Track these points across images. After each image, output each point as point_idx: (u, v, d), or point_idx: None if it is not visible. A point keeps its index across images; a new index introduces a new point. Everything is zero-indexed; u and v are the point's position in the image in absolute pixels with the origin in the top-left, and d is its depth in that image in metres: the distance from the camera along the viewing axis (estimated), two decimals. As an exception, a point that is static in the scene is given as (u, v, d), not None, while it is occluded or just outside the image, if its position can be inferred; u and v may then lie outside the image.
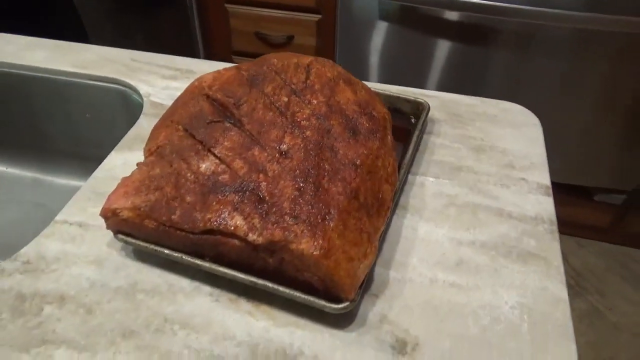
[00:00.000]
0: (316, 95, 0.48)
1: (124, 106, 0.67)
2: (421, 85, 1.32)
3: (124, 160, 0.55)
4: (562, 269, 0.43)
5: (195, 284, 0.42)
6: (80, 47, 0.71)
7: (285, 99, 0.47)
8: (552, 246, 0.45)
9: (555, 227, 0.47)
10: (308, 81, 0.49)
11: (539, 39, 1.16)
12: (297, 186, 0.40)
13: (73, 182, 0.77)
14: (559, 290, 0.42)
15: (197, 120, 0.46)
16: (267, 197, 0.40)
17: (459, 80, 1.28)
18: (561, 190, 1.42)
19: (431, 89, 1.31)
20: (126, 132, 0.58)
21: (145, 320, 0.40)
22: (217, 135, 0.44)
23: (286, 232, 0.37)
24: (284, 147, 0.43)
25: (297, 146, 0.43)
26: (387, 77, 1.34)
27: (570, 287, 1.37)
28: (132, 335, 0.39)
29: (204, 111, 0.47)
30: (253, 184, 0.41)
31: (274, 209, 0.39)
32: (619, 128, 1.25)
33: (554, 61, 1.18)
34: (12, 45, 0.71)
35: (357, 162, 0.43)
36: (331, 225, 0.38)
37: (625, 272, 1.40)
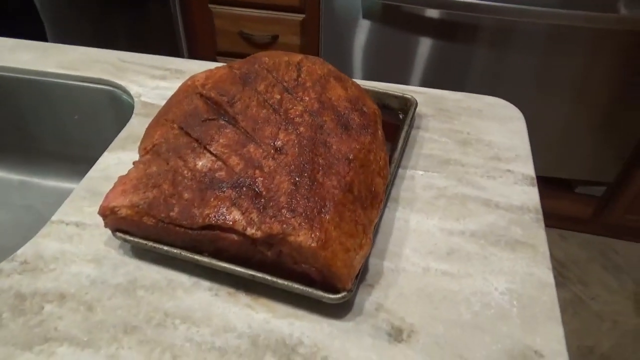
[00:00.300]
0: (308, 92, 0.49)
1: (114, 107, 0.67)
2: (405, 82, 1.34)
3: (117, 160, 0.55)
4: (547, 255, 0.45)
5: (194, 279, 0.43)
6: (67, 48, 0.71)
7: (278, 97, 0.48)
8: (538, 234, 0.47)
9: (540, 216, 0.49)
10: (299, 79, 0.50)
11: (516, 35, 1.19)
12: (292, 181, 0.41)
13: (62, 184, 0.76)
14: (546, 276, 0.43)
15: (192, 119, 0.47)
16: (264, 192, 0.41)
17: (441, 77, 1.31)
18: (543, 183, 1.45)
19: (414, 85, 1.33)
20: (116, 133, 0.59)
21: (146, 316, 0.40)
22: (212, 133, 0.45)
23: (284, 225, 0.38)
24: (278, 143, 0.44)
25: (291, 142, 0.44)
26: (371, 75, 1.36)
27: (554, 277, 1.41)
28: (134, 331, 0.39)
29: (198, 109, 0.47)
30: (249, 179, 0.42)
31: (271, 203, 0.40)
32: (596, 121, 1.29)
33: (531, 57, 1.21)
34: (-2, 47, 0.71)
35: (350, 157, 0.44)
36: (327, 217, 0.39)
37: (606, 262, 1.45)
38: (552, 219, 1.51)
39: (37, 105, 0.71)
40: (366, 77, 1.36)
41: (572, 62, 1.20)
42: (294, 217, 0.39)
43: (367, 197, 0.44)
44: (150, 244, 0.43)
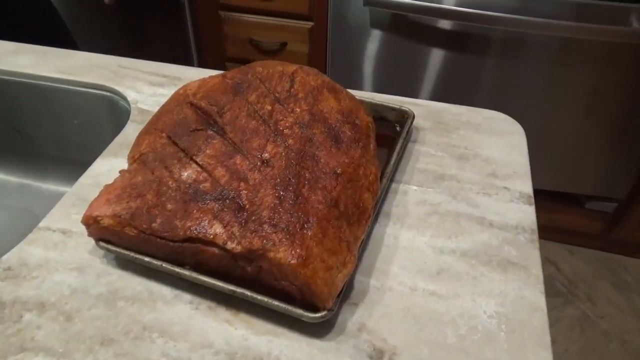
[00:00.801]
0: (299, 104, 0.48)
1: (111, 112, 0.67)
2: (412, 92, 1.32)
3: (109, 167, 0.55)
4: (541, 278, 0.44)
5: (176, 291, 0.42)
6: (67, 53, 0.72)
7: (269, 107, 0.48)
8: (532, 255, 0.46)
9: (535, 237, 0.47)
10: (292, 89, 0.49)
11: (527, 47, 1.18)
12: (277, 195, 0.40)
13: (60, 188, 0.77)
14: (537, 299, 0.42)
15: (180, 128, 0.46)
16: (247, 206, 0.40)
17: (450, 87, 1.29)
18: (552, 198, 1.42)
19: (422, 96, 1.32)
20: (113, 139, 0.59)
21: (124, 328, 0.40)
22: (199, 144, 0.45)
23: (264, 241, 0.37)
24: (265, 155, 0.44)
25: (278, 155, 0.43)
26: (379, 84, 1.35)
27: (561, 294, 1.38)
28: (110, 343, 0.39)
29: (187, 119, 0.47)
30: (234, 192, 0.41)
31: (253, 218, 0.39)
32: (608, 136, 1.26)
33: (541, 69, 1.19)
34: (-1, 51, 0.71)
35: (338, 171, 0.43)
36: (309, 233, 0.38)
37: (616, 280, 1.41)
38: (561, 234, 1.48)
39: (37, 109, 0.72)
40: (374, 86, 1.35)
41: (584, 76, 1.18)
42: (275, 233, 0.38)
43: (354, 212, 0.43)
44: (133, 254, 0.42)
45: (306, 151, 0.44)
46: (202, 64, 1.54)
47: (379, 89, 1.35)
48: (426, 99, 1.33)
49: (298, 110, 0.47)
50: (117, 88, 0.66)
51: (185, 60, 1.54)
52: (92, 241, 0.46)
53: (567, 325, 1.31)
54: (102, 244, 0.43)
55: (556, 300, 1.36)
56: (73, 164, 0.75)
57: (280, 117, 0.47)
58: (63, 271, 0.44)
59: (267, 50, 1.40)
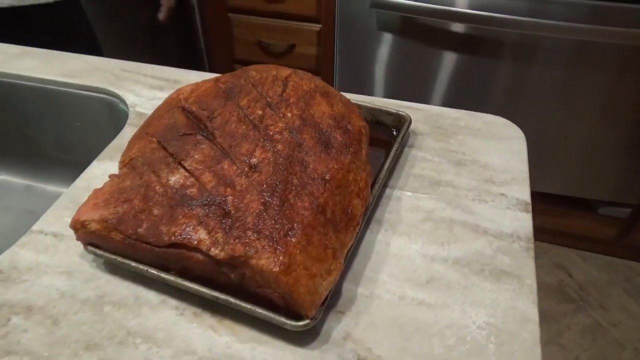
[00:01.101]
0: (291, 109, 0.48)
1: (111, 116, 0.68)
2: (422, 95, 1.31)
3: (104, 170, 0.55)
4: (534, 288, 0.42)
5: (163, 297, 0.42)
6: (70, 56, 0.72)
7: (260, 112, 0.47)
8: (526, 264, 0.44)
9: (531, 245, 0.46)
10: (284, 94, 0.49)
11: (540, 50, 1.15)
12: (262, 201, 0.40)
13: (62, 190, 0.77)
14: (530, 310, 0.41)
15: (170, 133, 0.46)
16: (232, 212, 0.40)
17: (461, 91, 1.27)
18: (564, 203, 1.40)
19: (433, 100, 1.31)
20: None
21: (109, 333, 0.40)
22: (188, 148, 0.45)
23: (247, 248, 0.37)
24: (254, 160, 0.43)
25: (266, 160, 0.43)
26: (387, 88, 1.34)
27: (573, 301, 1.35)
28: (95, 348, 0.39)
29: (177, 123, 0.47)
30: (220, 197, 0.41)
31: (238, 224, 0.39)
32: (622, 140, 1.23)
33: (555, 72, 1.17)
34: (1, 55, 0.72)
35: (327, 177, 0.43)
36: (293, 240, 0.38)
37: (629, 287, 1.38)
38: (573, 240, 1.45)
39: (41, 112, 0.72)
40: (383, 90, 1.34)
41: (599, 79, 1.15)
42: (258, 240, 0.37)
43: (342, 219, 0.42)
44: (119, 259, 0.42)
45: (295, 156, 0.44)
46: (212, 67, 1.55)
47: (387, 92, 1.34)
48: (436, 103, 1.32)
49: (289, 115, 0.47)
50: (117, 91, 0.66)
51: (195, 63, 1.55)
52: (82, 245, 0.46)
53: (578, 332, 1.28)
54: (90, 248, 0.43)
55: (567, 307, 1.34)
56: (75, 166, 0.76)
57: (271, 122, 0.46)
58: (52, 274, 0.44)
59: (275, 52, 1.40)
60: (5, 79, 0.70)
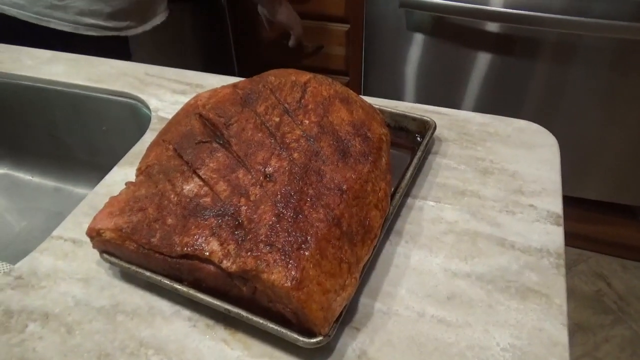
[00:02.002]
0: (309, 115, 0.46)
1: (135, 120, 0.68)
2: (454, 98, 1.27)
3: (124, 176, 0.55)
4: (564, 309, 0.40)
5: (176, 307, 0.42)
6: (99, 61, 0.73)
7: (277, 119, 0.46)
8: (556, 282, 0.42)
9: (562, 262, 0.43)
10: (302, 100, 0.48)
11: (579, 50, 1.10)
12: (276, 212, 0.39)
13: (90, 192, 0.79)
14: (558, 332, 0.38)
15: (186, 140, 0.46)
16: (245, 223, 0.39)
17: (495, 94, 1.23)
18: (603, 209, 1.33)
19: (465, 103, 1.27)
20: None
21: (121, 344, 0.39)
22: (203, 156, 0.44)
23: (258, 261, 0.36)
24: (269, 169, 0.42)
25: (282, 169, 0.42)
26: (418, 89, 1.31)
27: (611, 312, 1.29)
28: (107, 358, 0.39)
29: (194, 131, 0.46)
30: (233, 208, 0.40)
31: (250, 236, 0.38)
32: (667, 144, 1.16)
33: (596, 74, 1.12)
34: (32, 60, 0.74)
35: (344, 187, 0.41)
36: (306, 254, 0.36)
37: (674, 299, 1.30)
38: (613, 248, 1.39)
39: (69, 116, 0.74)
40: (414, 91, 1.31)
41: (641, 79, 1.09)
42: (270, 253, 0.36)
43: (359, 232, 0.40)
44: (134, 268, 0.42)
45: (311, 166, 0.42)
46: (241, 69, 1.55)
47: (417, 94, 1.31)
48: (468, 106, 1.28)
49: (307, 122, 0.46)
50: (141, 96, 0.66)
51: (225, 66, 1.56)
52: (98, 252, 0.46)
53: (616, 345, 1.22)
54: (105, 256, 0.43)
55: (605, 319, 1.27)
56: (102, 169, 0.77)
57: (288, 130, 0.45)
58: (69, 281, 0.44)
59: (307, 52, 1.39)
60: (35, 84, 0.71)
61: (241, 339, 0.39)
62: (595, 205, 1.32)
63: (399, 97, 1.33)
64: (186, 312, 0.41)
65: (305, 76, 0.50)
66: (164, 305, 0.42)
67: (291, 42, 1.25)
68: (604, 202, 1.31)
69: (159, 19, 1.01)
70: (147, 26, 0.99)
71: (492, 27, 1.13)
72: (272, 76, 0.51)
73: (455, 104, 1.27)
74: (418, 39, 1.21)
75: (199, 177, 0.42)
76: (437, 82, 1.27)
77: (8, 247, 0.74)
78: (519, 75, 1.18)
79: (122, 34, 0.94)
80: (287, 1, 1.19)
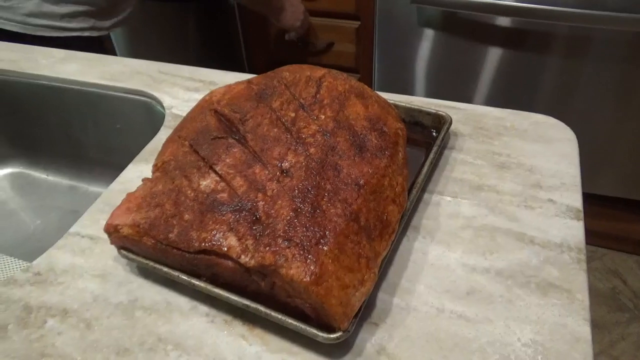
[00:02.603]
0: (324, 110, 0.46)
1: (149, 118, 0.68)
2: (466, 93, 1.26)
3: (139, 173, 0.55)
4: (586, 304, 0.39)
5: (193, 302, 0.42)
6: (111, 60, 0.73)
7: (292, 114, 0.46)
8: (577, 277, 0.41)
9: (583, 256, 0.43)
10: (318, 95, 0.48)
11: (593, 44, 1.09)
12: (294, 207, 0.38)
13: (104, 190, 0.79)
14: (581, 328, 0.38)
15: (202, 136, 0.46)
16: (262, 218, 0.38)
17: (507, 89, 1.22)
18: (619, 205, 1.32)
19: (477, 98, 1.26)
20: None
21: (140, 339, 0.39)
22: (220, 152, 0.44)
23: (277, 256, 0.36)
24: (285, 164, 0.42)
25: (299, 164, 0.42)
26: (429, 85, 1.30)
27: (627, 310, 1.27)
28: (125, 353, 0.39)
29: (209, 127, 0.46)
30: (250, 203, 0.40)
31: (268, 231, 0.38)
32: (684, 138, 1.14)
33: (610, 67, 1.10)
34: (47, 59, 0.74)
35: (361, 182, 0.41)
36: (325, 249, 0.36)
37: (691, 296, 1.28)
38: (630, 245, 1.37)
39: (83, 115, 0.74)
40: (425, 87, 1.30)
41: (657, 73, 1.07)
42: (288, 248, 0.36)
43: (376, 226, 0.40)
44: (152, 264, 0.42)
45: (328, 160, 0.42)
46: (251, 67, 1.55)
47: (429, 90, 1.30)
48: (480, 101, 1.27)
49: (322, 117, 0.45)
50: (154, 93, 0.67)
51: (235, 63, 1.56)
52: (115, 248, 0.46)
53: (632, 343, 1.20)
54: (123, 252, 0.43)
55: (621, 316, 1.26)
56: (116, 167, 0.77)
57: (303, 125, 0.45)
58: (87, 277, 0.44)
59: (313, 50, 1.39)
60: (50, 83, 0.72)
61: (259, 335, 0.39)
62: (610, 202, 1.31)
63: (410, 93, 1.32)
64: (204, 308, 0.41)
65: (320, 71, 0.50)
66: (181, 300, 0.42)
67: (287, 36, 1.27)
68: (619, 198, 1.30)
69: (122, 16, 1.01)
70: (111, 23, 0.99)
71: (504, 21, 1.12)
72: (287, 72, 0.51)
73: (467, 100, 1.26)
74: (429, 34, 1.20)
75: (216, 172, 0.42)
76: (448, 78, 1.26)
77: (23, 244, 0.75)
78: (531, 69, 1.17)
79: (86, 34, 0.94)
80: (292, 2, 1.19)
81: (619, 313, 1.27)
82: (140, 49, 1.49)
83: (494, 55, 1.18)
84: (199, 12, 1.49)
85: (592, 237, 1.34)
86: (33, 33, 0.90)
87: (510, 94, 1.22)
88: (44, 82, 0.72)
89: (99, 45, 1.02)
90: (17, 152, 0.82)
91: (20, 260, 0.67)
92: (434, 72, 1.27)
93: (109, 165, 0.78)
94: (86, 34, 0.96)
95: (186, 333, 0.40)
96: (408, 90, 1.32)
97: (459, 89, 1.27)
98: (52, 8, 0.89)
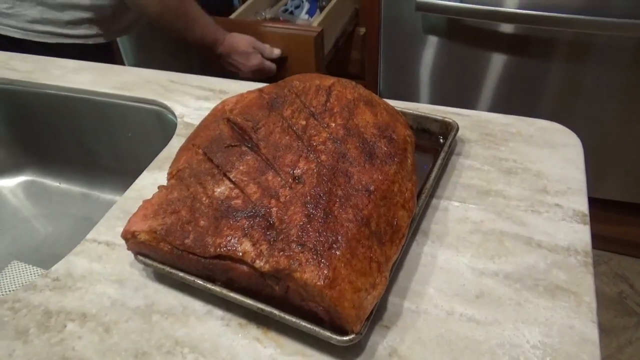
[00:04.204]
0: (334, 118, 0.47)
1: (161, 126, 0.70)
2: (470, 99, 1.28)
3: (153, 181, 0.57)
4: (594, 306, 0.40)
5: (209, 307, 0.43)
6: (122, 69, 0.75)
7: (303, 122, 0.47)
8: (584, 280, 0.42)
9: (590, 260, 0.43)
10: (328, 104, 0.49)
11: (596, 49, 1.10)
12: (306, 212, 0.40)
13: (116, 197, 0.80)
14: (589, 330, 0.38)
15: (216, 144, 0.47)
16: (276, 223, 0.40)
17: (511, 95, 1.23)
18: (625, 210, 1.32)
19: (481, 104, 1.27)
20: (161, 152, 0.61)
21: (157, 342, 0.40)
22: (233, 160, 0.45)
23: (291, 261, 0.37)
24: (297, 171, 0.43)
25: (310, 171, 0.43)
26: (434, 92, 1.31)
27: (634, 314, 1.27)
28: (144, 357, 0.40)
29: (223, 135, 0.47)
30: (264, 209, 0.41)
31: (282, 236, 0.39)
32: (689, 142, 1.15)
33: (614, 73, 1.11)
34: (59, 70, 0.76)
35: (371, 188, 0.42)
36: (338, 253, 0.37)
37: (699, 300, 1.28)
38: (637, 249, 1.37)
39: (96, 123, 0.76)
40: (430, 94, 1.32)
41: (660, 78, 1.08)
42: (302, 252, 0.37)
43: (387, 231, 0.41)
44: (168, 269, 0.43)
45: (339, 167, 0.43)
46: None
47: (433, 96, 1.32)
48: (485, 107, 1.28)
49: (333, 124, 0.47)
50: (165, 102, 0.68)
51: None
52: (132, 254, 0.47)
53: (638, 350, 1.20)
54: (140, 257, 0.44)
55: (629, 321, 1.26)
56: (128, 174, 0.78)
57: (314, 132, 0.46)
58: (105, 282, 0.46)
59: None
60: (63, 93, 0.73)
61: (274, 338, 0.40)
62: (615, 206, 1.31)
63: (415, 99, 1.34)
64: (219, 312, 0.42)
65: (329, 80, 0.51)
66: (197, 305, 0.43)
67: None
68: (624, 203, 1.30)
69: (127, 23, 1.01)
70: (116, 30, 0.99)
71: (507, 28, 1.13)
72: (297, 80, 0.52)
73: (472, 106, 1.27)
74: (433, 41, 1.21)
75: (230, 179, 0.44)
76: (453, 84, 1.28)
77: (37, 251, 0.76)
78: (535, 75, 1.18)
79: (91, 41, 0.95)
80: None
81: (627, 317, 1.27)
82: (146, 56, 1.51)
83: (497, 61, 1.19)
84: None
85: (599, 241, 1.34)
86: (36, 40, 0.92)
87: (514, 100, 1.23)
88: (56, 92, 0.74)
89: (107, 52, 1.04)
90: (31, 161, 0.84)
91: (35, 267, 0.68)
92: (439, 79, 1.28)
93: (121, 173, 0.80)
94: (90, 41, 0.97)
95: (202, 336, 0.41)
96: (412, 95, 1.33)
97: (463, 94, 1.28)
98: (56, 15, 0.91)
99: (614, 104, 1.15)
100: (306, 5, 1.22)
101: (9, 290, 0.65)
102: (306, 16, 1.21)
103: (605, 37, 1.07)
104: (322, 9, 1.22)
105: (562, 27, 1.07)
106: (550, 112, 1.22)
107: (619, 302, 1.30)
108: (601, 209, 1.29)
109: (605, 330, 1.24)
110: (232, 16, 1.12)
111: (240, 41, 1.00)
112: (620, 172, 1.25)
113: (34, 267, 0.68)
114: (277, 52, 1.06)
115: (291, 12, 1.23)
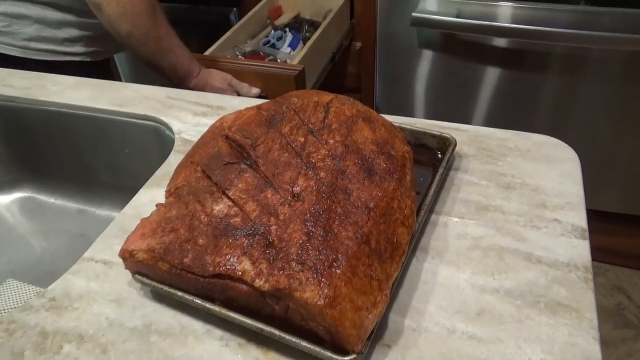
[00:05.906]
0: (333, 135, 0.47)
1: (159, 142, 0.70)
2: (465, 113, 1.28)
3: (151, 198, 0.56)
4: (595, 323, 0.40)
5: (208, 326, 0.42)
6: (120, 86, 0.75)
7: (302, 139, 0.47)
8: (585, 296, 0.42)
9: (590, 275, 0.43)
10: (326, 120, 0.49)
11: (590, 63, 1.11)
12: (306, 230, 0.39)
13: (113, 214, 0.80)
14: (591, 347, 0.38)
15: (214, 162, 0.47)
16: (276, 242, 0.39)
17: (506, 109, 1.24)
18: (623, 221, 1.32)
19: (476, 118, 1.28)
20: (159, 167, 0.60)
21: (155, 363, 0.40)
22: (232, 177, 0.45)
23: (291, 280, 0.37)
24: (297, 189, 0.43)
25: (309, 188, 0.43)
26: (429, 106, 1.32)
27: (633, 326, 1.27)
28: (142, 378, 0.39)
29: (221, 152, 0.47)
30: (263, 227, 0.40)
31: (281, 255, 0.38)
32: (683, 154, 1.16)
33: (607, 86, 1.12)
34: (57, 86, 0.76)
35: (371, 205, 0.42)
36: (338, 272, 0.37)
37: (697, 311, 1.28)
38: (634, 260, 1.37)
39: (93, 139, 0.75)
40: (425, 108, 1.32)
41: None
42: (302, 271, 0.37)
43: (387, 249, 0.41)
44: (166, 288, 0.43)
45: (338, 184, 0.43)
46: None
47: (429, 110, 1.32)
48: (480, 121, 1.29)
49: (331, 141, 0.47)
50: (163, 118, 0.68)
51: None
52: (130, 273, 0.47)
53: (640, 360, 1.20)
54: (137, 277, 0.44)
55: (628, 333, 1.26)
56: (125, 191, 0.78)
57: (313, 149, 0.46)
58: (102, 302, 0.45)
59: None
60: (60, 109, 0.73)
61: (273, 357, 0.40)
62: (612, 218, 1.31)
63: (410, 112, 1.34)
64: (218, 332, 0.42)
65: (328, 97, 0.52)
66: (195, 324, 0.43)
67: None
68: (620, 214, 1.30)
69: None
70: (113, 47, 0.99)
71: (501, 42, 1.15)
72: (295, 97, 0.52)
73: (467, 120, 1.28)
74: (428, 55, 1.23)
75: (229, 197, 0.43)
76: (448, 98, 1.29)
77: (33, 268, 0.76)
78: (529, 89, 1.19)
79: (88, 59, 0.96)
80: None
81: (625, 329, 1.26)
82: (144, 73, 1.51)
83: (492, 75, 1.20)
84: (200, 34, 1.51)
85: (595, 252, 1.34)
86: (34, 57, 0.92)
87: (509, 113, 1.24)
88: (53, 109, 0.74)
89: (104, 69, 1.04)
90: (27, 177, 0.83)
91: (31, 285, 0.68)
92: (434, 92, 1.29)
93: (118, 189, 0.79)
94: (88, 58, 0.97)
95: (201, 357, 0.40)
96: (408, 109, 1.34)
97: (458, 108, 1.29)
98: (54, 32, 0.91)
99: (607, 116, 1.16)
100: (289, 37, 1.16)
101: (4, 309, 0.64)
102: (288, 49, 1.14)
103: (597, 51, 1.08)
104: (305, 40, 1.15)
105: (555, 42, 1.08)
106: (544, 125, 1.23)
107: (617, 313, 1.30)
108: (598, 221, 1.29)
109: (604, 343, 1.23)
110: (208, 52, 1.02)
111: (215, 76, 0.94)
112: (615, 183, 1.25)
113: (30, 285, 0.67)
114: (255, 91, 0.97)
115: (272, 45, 1.16)
